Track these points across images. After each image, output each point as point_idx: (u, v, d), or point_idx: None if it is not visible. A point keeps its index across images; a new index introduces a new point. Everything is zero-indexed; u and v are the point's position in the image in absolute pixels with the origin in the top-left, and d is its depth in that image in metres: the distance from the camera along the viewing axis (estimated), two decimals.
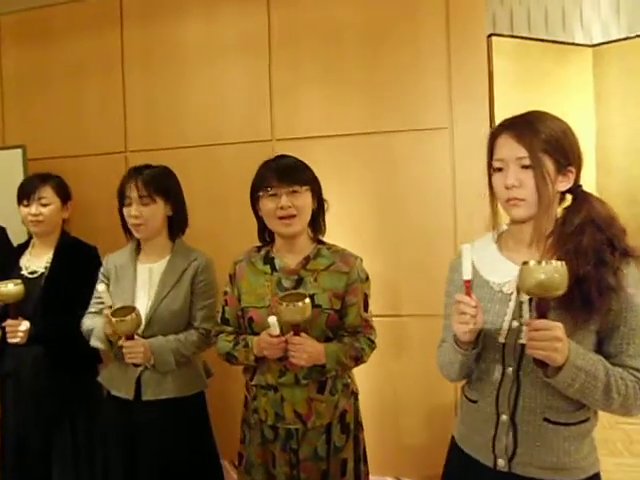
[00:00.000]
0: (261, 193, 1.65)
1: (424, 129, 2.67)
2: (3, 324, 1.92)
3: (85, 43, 3.20)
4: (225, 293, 1.76)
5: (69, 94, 3.23)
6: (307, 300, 1.47)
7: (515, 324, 1.22)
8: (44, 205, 2.11)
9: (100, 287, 1.76)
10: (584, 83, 3.15)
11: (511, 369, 1.23)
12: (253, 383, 1.69)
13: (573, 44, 3.21)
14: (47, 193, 2.12)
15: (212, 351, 1.86)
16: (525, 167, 1.20)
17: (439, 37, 2.64)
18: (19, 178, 2.91)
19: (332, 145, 2.79)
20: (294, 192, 1.61)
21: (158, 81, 3.07)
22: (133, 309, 1.65)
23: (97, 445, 2.13)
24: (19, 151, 2.99)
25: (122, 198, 1.86)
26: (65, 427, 2.09)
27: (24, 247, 2.22)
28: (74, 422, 2.11)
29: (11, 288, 1.86)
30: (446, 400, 2.65)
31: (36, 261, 2.14)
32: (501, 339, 1.23)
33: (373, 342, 1.71)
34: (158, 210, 1.85)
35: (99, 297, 1.91)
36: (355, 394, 1.76)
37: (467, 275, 1.21)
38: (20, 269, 2.12)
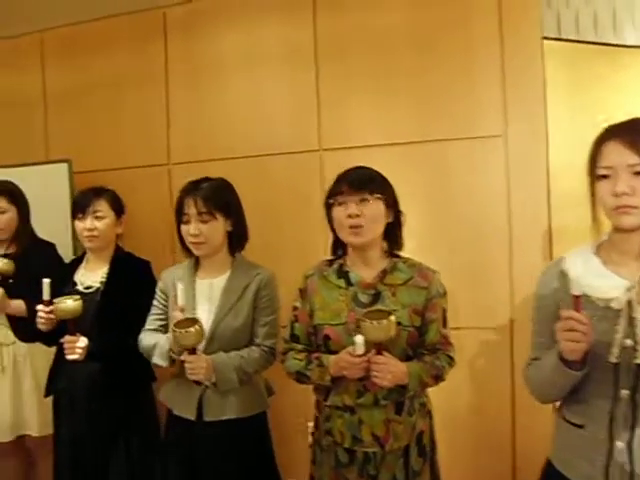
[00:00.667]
0: (332, 201, 1.59)
1: (477, 137, 2.58)
2: (61, 340, 1.88)
3: (128, 56, 3.19)
4: (295, 308, 1.70)
5: (112, 107, 3.21)
6: (392, 318, 1.40)
7: (628, 342, 1.14)
8: (99, 219, 2.07)
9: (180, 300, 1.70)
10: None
11: (626, 392, 1.14)
12: (328, 404, 1.62)
13: (625, 46, 3.10)
14: (102, 207, 2.09)
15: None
16: (637, 174, 1.13)
17: (492, 42, 2.56)
18: (65, 192, 2.92)
19: (381, 154, 2.71)
20: (363, 200, 1.55)
21: (201, 93, 3.04)
22: (196, 321, 1.59)
23: (152, 463, 2.09)
24: (65, 165, 2.98)
25: (180, 215, 1.79)
26: (120, 445, 2.04)
27: (78, 262, 2.18)
28: (129, 440, 2.05)
29: (70, 304, 1.82)
30: (502, 417, 2.55)
31: (91, 276, 2.10)
32: (612, 359, 1.15)
33: (453, 359, 1.64)
34: (218, 226, 1.79)
35: (158, 314, 1.87)
36: (430, 413, 1.68)
37: (577, 290, 1.13)
38: (75, 284, 2.08)
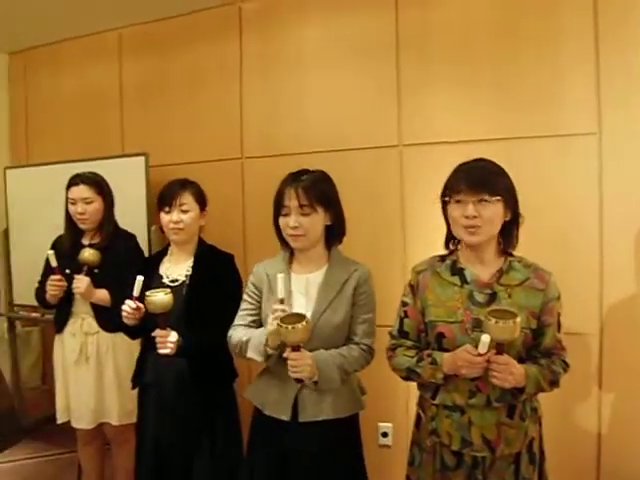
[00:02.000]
0: (448, 198, 1.53)
1: (569, 135, 2.47)
2: (153, 334, 1.87)
3: (203, 52, 3.20)
4: (404, 304, 1.65)
5: (188, 102, 3.24)
6: (518, 319, 1.35)
7: None
8: (184, 212, 2.06)
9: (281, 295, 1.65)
10: None
11: None
12: (436, 402, 1.56)
13: None
14: (187, 200, 2.07)
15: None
16: None
17: (585, 33, 2.43)
18: (141, 185, 2.94)
19: (464, 151, 2.54)
20: (482, 201, 1.49)
21: (276, 87, 3.02)
22: (303, 317, 1.54)
23: (237, 461, 2.07)
24: (142, 159, 3.00)
25: (279, 207, 1.75)
26: (204, 441, 2.02)
27: (162, 255, 2.17)
28: (213, 436, 2.03)
29: (162, 297, 1.81)
30: (588, 424, 2.44)
31: (176, 269, 2.09)
32: None
33: (567, 365, 1.56)
34: (318, 220, 1.74)
35: (249, 309, 1.84)
36: (540, 419, 1.60)
37: None
38: (161, 277, 2.07)
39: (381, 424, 2.75)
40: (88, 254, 2.25)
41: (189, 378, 1.98)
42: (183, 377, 1.98)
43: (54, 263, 2.27)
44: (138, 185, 2.98)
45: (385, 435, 2.75)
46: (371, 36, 2.79)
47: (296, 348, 1.57)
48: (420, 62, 2.71)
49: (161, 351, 1.86)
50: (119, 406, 2.39)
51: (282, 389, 1.73)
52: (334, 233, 1.81)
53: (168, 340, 1.85)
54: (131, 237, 2.54)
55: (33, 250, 3.35)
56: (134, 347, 2.47)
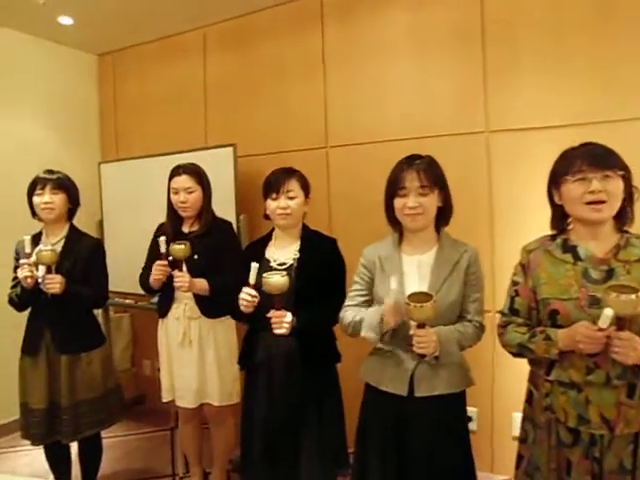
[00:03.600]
0: (568, 177, 1.54)
1: None
2: (268, 315, 1.95)
3: (286, 45, 3.29)
4: (515, 283, 1.69)
5: (272, 94, 3.34)
6: None
7: None
8: (291, 198, 2.13)
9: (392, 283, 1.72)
10: None
11: None
12: (551, 378, 1.58)
13: None
14: (294, 186, 2.15)
15: None
16: None
17: None
18: (230, 175, 3.05)
19: (553, 136, 2.58)
20: (606, 177, 1.50)
21: (359, 76, 3.06)
22: (430, 296, 1.59)
23: (342, 441, 2.16)
24: (230, 149, 3.11)
25: (395, 188, 1.81)
26: (313, 422, 2.08)
27: (266, 240, 2.26)
28: (321, 416, 2.10)
29: (279, 279, 1.88)
30: None
31: (283, 253, 2.16)
32: None
33: None
34: (434, 200, 1.80)
35: (360, 290, 1.90)
36: None
37: None
38: (268, 261, 2.15)
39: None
40: (178, 250, 2.32)
41: (299, 358, 2.05)
42: (293, 357, 2.05)
43: (164, 249, 2.37)
44: (227, 175, 3.09)
45: (469, 420, 2.75)
46: (456, 21, 2.80)
47: (422, 325, 1.63)
48: (507, 45, 2.69)
49: (277, 331, 1.94)
50: (220, 388, 2.50)
51: (398, 366, 1.80)
52: (443, 215, 1.86)
53: (284, 320, 1.93)
54: (228, 224, 2.64)
55: (125, 239, 3.56)
56: (232, 331, 2.60)
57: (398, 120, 2.96)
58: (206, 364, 2.50)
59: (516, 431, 2.72)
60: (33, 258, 2.36)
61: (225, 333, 2.55)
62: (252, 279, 1.98)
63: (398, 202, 1.80)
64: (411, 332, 1.67)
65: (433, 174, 1.80)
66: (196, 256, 2.41)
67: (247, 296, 1.98)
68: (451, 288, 1.77)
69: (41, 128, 3.80)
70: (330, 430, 2.12)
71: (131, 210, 3.66)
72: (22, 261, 2.35)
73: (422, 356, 1.69)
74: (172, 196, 2.52)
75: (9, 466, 3.20)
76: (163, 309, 2.57)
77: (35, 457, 3.18)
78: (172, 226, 2.55)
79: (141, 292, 3.45)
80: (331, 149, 3.15)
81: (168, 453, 3.27)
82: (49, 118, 3.84)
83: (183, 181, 2.49)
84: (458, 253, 1.82)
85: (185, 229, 2.57)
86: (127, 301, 3.63)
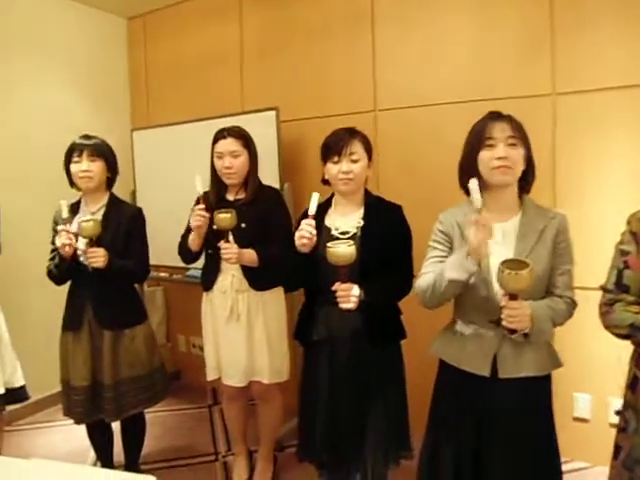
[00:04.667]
0: None
1: None
2: (333, 288, 1.78)
3: (330, 2, 3.06)
4: (624, 253, 1.50)
5: (314, 55, 3.14)
6: None
7: None
8: (354, 161, 1.95)
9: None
10: None
11: None
12: None
13: None
14: (357, 148, 1.96)
15: None
16: None
17: None
18: (273, 141, 2.88)
19: (623, 98, 2.40)
20: None
21: (411, 34, 2.86)
22: (527, 263, 1.41)
23: (405, 420, 2.02)
24: (272, 113, 2.93)
25: (481, 139, 1.61)
26: (379, 399, 1.95)
27: (325, 207, 2.08)
28: (386, 394, 1.96)
29: (345, 249, 1.71)
30: None
31: (345, 221, 2.00)
32: None
33: None
34: (521, 157, 1.61)
35: (438, 256, 1.72)
36: None
37: None
38: (329, 230, 1.98)
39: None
40: (223, 220, 2.13)
41: (365, 335, 1.90)
42: (358, 334, 1.90)
43: (200, 188, 2.21)
44: (269, 141, 2.92)
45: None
46: None
47: (514, 297, 1.45)
48: (574, 3, 2.46)
49: (344, 306, 1.77)
50: (269, 364, 2.37)
51: (479, 343, 1.64)
52: (526, 179, 1.67)
53: (351, 294, 1.77)
54: (276, 191, 2.49)
55: (159, 210, 3.41)
56: (282, 304, 2.46)
57: (454, 81, 2.76)
58: (255, 340, 2.37)
59: (578, 412, 2.60)
60: (74, 227, 2.22)
61: (274, 306, 2.41)
62: (312, 209, 1.81)
63: (484, 155, 1.60)
64: (502, 304, 1.49)
65: (522, 130, 1.62)
66: (243, 225, 2.25)
67: (306, 232, 1.79)
68: (538, 258, 1.57)
69: (71, 94, 3.65)
70: (395, 411, 1.99)
71: (165, 179, 3.52)
72: (59, 227, 2.20)
73: (511, 332, 1.51)
74: (216, 161, 2.36)
75: (46, 442, 3.13)
76: (208, 282, 2.42)
77: (73, 433, 3.09)
78: (216, 194, 2.38)
79: (175, 264, 3.35)
80: (380, 113, 2.96)
81: (208, 431, 3.19)
82: (79, 84, 3.69)
83: (228, 144, 2.32)
84: (544, 220, 1.63)
85: (230, 197, 2.41)
86: (161, 274, 3.50)
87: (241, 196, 2.38)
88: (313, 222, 1.81)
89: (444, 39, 2.76)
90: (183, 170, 3.39)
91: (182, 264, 3.28)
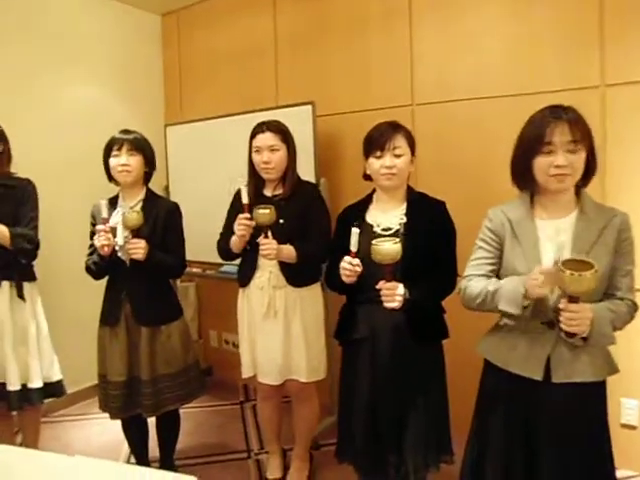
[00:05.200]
0: None
1: None
2: (378, 286, 1.74)
3: None
4: None
5: (349, 48, 3.09)
6: None
7: None
8: (398, 156, 1.90)
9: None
10: None
11: None
12: None
13: None
14: (401, 143, 1.91)
15: None
16: None
17: None
18: (308, 136, 2.83)
19: None
20: None
21: (449, 27, 2.78)
22: (590, 264, 1.33)
23: (446, 422, 1.97)
24: (308, 107, 2.89)
25: (538, 144, 1.52)
26: (419, 400, 1.90)
27: (365, 203, 2.04)
28: (426, 395, 1.91)
29: (390, 247, 1.66)
30: None
31: (387, 217, 1.95)
32: None
33: None
34: (583, 158, 1.52)
35: (486, 257, 1.66)
36: None
37: None
38: (371, 226, 1.93)
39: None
40: (262, 216, 2.09)
41: (408, 333, 1.85)
42: (401, 333, 1.85)
43: (246, 199, 2.15)
44: (304, 136, 2.86)
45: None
46: None
47: (575, 299, 1.38)
48: None
49: (388, 305, 1.73)
50: (307, 363, 2.33)
51: (531, 345, 1.57)
52: (586, 174, 1.58)
53: (396, 293, 1.72)
54: (314, 187, 2.45)
55: (191, 205, 3.38)
56: (320, 301, 2.42)
57: (494, 75, 2.67)
58: (292, 337, 2.33)
59: (625, 418, 2.51)
60: (111, 223, 2.21)
61: (312, 303, 2.37)
62: (354, 246, 1.76)
63: (541, 161, 1.52)
64: (560, 306, 1.42)
65: (584, 127, 1.52)
66: (282, 221, 2.21)
67: (349, 265, 1.78)
68: (597, 258, 1.47)
69: (106, 92, 3.66)
70: (436, 412, 1.93)
71: (198, 174, 3.50)
72: (98, 227, 2.19)
73: (569, 335, 1.44)
74: (254, 156, 2.32)
75: (82, 435, 3.15)
76: (245, 278, 2.38)
77: (108, 426, 3.10)
78: (254, 189, 2.35)
79: (208, 260, 3.35)
80: (417, 107, 2.89)
81: (240, 427, 3.18)
82: (114, 81, 3.70)
83: (267, 139, 2.28)
84: (605, 218, 1.55)
85: (267, 192, 2.37)
86: (194, 270, 3.49)
87: (279, 191, 2.35)
88: (355, 260, 1.77)
89: (484, 31, 2.67)
90: (216, 165, 3.39)
91: (215, 260, 3.28)
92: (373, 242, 1.68)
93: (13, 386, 2.36)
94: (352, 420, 1.96)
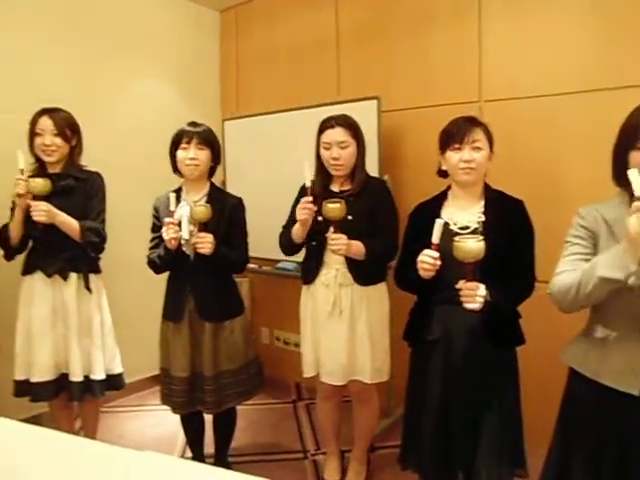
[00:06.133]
0: None
1: None
2: (457, 286, 1.67)
3: None
4: None
5: (415, 42, 3.01)
6: None
7: None
8: (477, 150, 1.82)
9: None
10: None
11: None
12: None
13: None
14: (480, 136, 1.84)
15: None
16: None
17: None
18: (372, 131, 2.78)
19: None
20: None
21: (521, 20, 2.66)
22: None
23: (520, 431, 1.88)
24: (373, 102, 2.83)
25: (632, 139, 1.42)
26: (494, 409, 1.81)
27: (440, 199, 1.97)
28: (502, 404, 1.82)
29: (474, 244, 1.58)
30: None
31: (463, 215, 1.87)
32: None
33: None
34: None
35: (580, 253, 1.55)
36: None
37: None
38: (447, 224, 1.85)
39: None
40: (332, 209, 2.03)
41: (484, 336, 1.78)
42: (477, 336, 1.78)
43: (309, 182, 2.11)
44: (368, 131, 2.78)
45: None
46: None
47: None
48: None
49: (468, 306, 1.65)
50: (371, 363, 2.27)
51: (626, 355, 1.46)
52: None
53: (477, 294, 1.64)
54: (383, 183, 2.39)
55: (249, 201, 3.36)
56: (386, 300, 2.36)
57: (570, 70, 2.55)
58: (357, 337, 2.27)
59: None
60: (177, 216, 2.20)
61: (378, 302, 2.31)
62: (436, 238, 1.68)
63: (636, 156, 1.43)
64: None
65: None
66: (350, 217, 2.15)
67: (429, 259, 1.69)
68: None
69: (167, 87, 3.70)
70: (510, 423, 1.84)
71: (255, 169, 3.49)
72: (166, 220, 2.18)
73: None
74: (323, 152, 2.27)
75: (136, 426, 3.17)
76: (310, 275, 2.34)
77: (162, 418, 3.14)
78: (321, 184, 2.30)
79: (264, 256, 3.32)
80: (485, 104, 2.79)
81: (293, 427, 3.14)
82: (174, 76, 3.73)
83: (336, 134, 2.22)
84: None
85: (335, 188, 2.32)
86: (250, 265, 3.46)
87: (347, 187, 2.29)
88: (436, 253, 1.69)
89: (558, 24, 2.55)
90: (273, 160, 3.36)
91: (271, 256, 3.28)
92: (456, 239, 1.61)
93: (76, 377, 2.38)
94: (421, 423, 1.88)
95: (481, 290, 1.65)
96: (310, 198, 2.13)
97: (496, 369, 1.82)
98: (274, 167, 3.36)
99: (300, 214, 2.16)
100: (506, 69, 2.72)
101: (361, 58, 3.21)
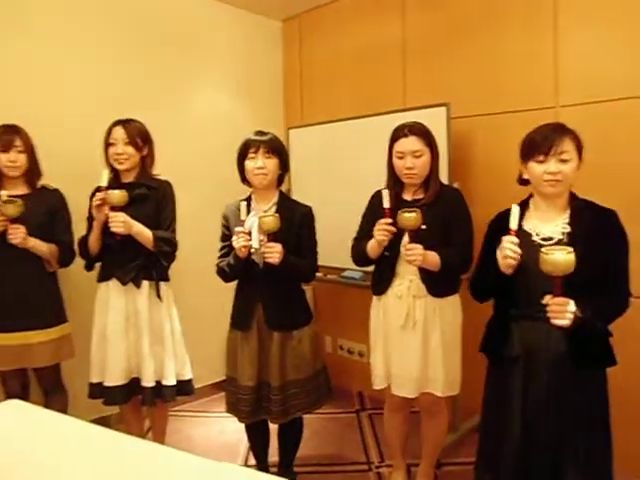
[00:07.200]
0: None
1: None
2: (544, 301, 1.59)
3: None
4: None
5: (484, 48, 2.94)
6: None
7: None
8: (564, 161, 1.73)
9: None
10: None
11: None
12: None
13: None
14: (569, 147, 1.74)
15: None
16: None
17: None
18: (442, 138, 2.72)
19: None
20: None
21: (602, 18, 2.54)
22: None
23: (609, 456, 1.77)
24: (443, 109, 2.78)
25: None
26: (580, 438, 1.71)
27: (521, 208, 1.88)
28: (589, 433, 1.72)
29: (563, 257, 1.52)
30: None
31: (547, 226, 1.79)
32: None
33: None
34: None
35: None
36: None
37: None
38: (529, 235, 1.79)
39: None
40: (408, 218, 2.00)
41: (569, 355, 1.69)
42: (562, 356, 1.70)
43: (387, 203, 2.08)
44: (438, 139, 2.71)
45: None
46: None
47: None
48: None
49: (557, 322, 1.58)
50: (444, 376, 2.20)
51: None
52: None
53: (567, 310, 1.57)
54: (457, 192, 2.32)
55: (314, 210, 3.37)
56: (459, 312, 2.30)
57: None
58: (430, 349, 2.21)
59: None
60: (247, 225, 2.20)
61: (452, 314, 2.25)
62: (514, 224, 1.66)
63: None
64: None
65: None
66: (424, 227, 2.10)
67: (512, 245, 1.66)
68: None
69: (231, 97, 3.75)
70: (598, 455, 1.73)
71: (321, 178, 3.48)
72: (238, 229, 2.18)
73: None
74: (396, 161, 2.23)
75: (202, 431, 3.20)
76: (382, 285, 2.29)
77: (226, 425, 3.16)
78: (394, 194, 2.26)
79: (330, 264, 3.30)
80: (562, 109, 2.67)
81: (357, 437, 3.10)
82: (237, 86, 3.77)
83: (410, 143, 2.18)
84: None
85: (407, 197, 2.28)
86: (317, 274, 3.46)
87: (419, 196, 2.25)
88: (517, 240, 1.64)
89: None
90: (339, 168, 3.35)
91: (337, 264, 3.26)
92: (543, 250, 1.55)
93: (148, 382, 2.42)
94: (493, 450, 1.82)
95: (571, 306, 1.57)
96: (390, 220, 2.09)
97: (583, 393, 1.72)
98: (339, 174, 3.35)
99: (378, 234, 2.12)
100: (586, 70, 2.59)
101: (428, 64, 3.16)
